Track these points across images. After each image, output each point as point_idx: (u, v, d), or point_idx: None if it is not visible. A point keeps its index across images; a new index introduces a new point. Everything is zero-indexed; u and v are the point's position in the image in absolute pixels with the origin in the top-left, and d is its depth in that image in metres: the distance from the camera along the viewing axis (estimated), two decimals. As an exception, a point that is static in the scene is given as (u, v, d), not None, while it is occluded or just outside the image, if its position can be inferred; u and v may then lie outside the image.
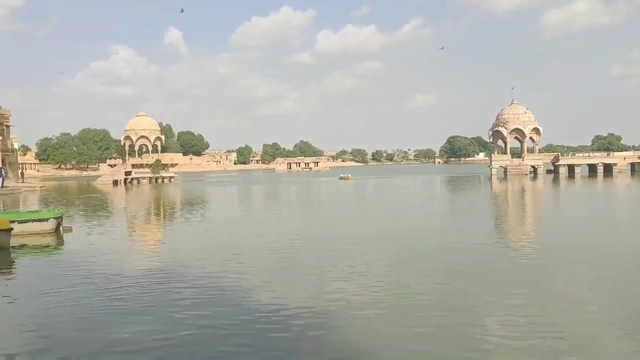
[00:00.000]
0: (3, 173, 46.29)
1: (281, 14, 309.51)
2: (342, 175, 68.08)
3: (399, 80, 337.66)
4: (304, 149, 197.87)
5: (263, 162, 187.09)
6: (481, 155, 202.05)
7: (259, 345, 6.43)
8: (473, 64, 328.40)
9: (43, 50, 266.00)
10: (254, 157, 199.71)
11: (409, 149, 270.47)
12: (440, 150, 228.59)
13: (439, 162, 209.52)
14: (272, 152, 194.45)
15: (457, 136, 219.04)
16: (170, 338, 6.77)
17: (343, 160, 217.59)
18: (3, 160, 48.12)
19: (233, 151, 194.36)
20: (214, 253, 13.19)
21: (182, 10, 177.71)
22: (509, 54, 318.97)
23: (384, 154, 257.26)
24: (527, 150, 63.18)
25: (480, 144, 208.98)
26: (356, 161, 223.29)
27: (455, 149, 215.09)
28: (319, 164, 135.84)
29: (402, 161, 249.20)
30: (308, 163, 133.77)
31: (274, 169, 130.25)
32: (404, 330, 6.96)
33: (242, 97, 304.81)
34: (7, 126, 53.27)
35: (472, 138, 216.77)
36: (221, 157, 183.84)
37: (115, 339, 6.78)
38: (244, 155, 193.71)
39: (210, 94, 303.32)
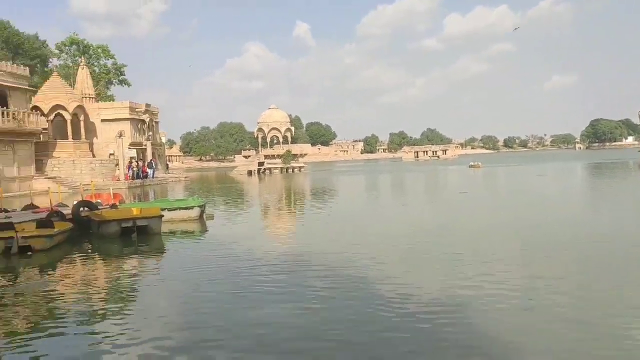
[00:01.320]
0: (153, 165, 51.01)
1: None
2: (472, 163, 65.68)
3: (533, 62, 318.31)
4: (431, 137, 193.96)
5: (389, 151, 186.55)
6: (630, 139, 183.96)
7: (391, 337, 6.43)
8: (619, 40, 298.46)
9: (185, 51, 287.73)
10: (380, 146, 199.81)
11: (545, 135, 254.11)
12: (581, 135, 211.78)
13: (580, 148, 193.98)
14: (399, 141, 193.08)
15: (602, 119, 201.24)
16: (302, 322, 7.04)
17: (472, 148, 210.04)
18: (153, 153, 52.93)
19: (360, 141, 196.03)
20: (343, 241, 13.41)
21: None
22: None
23: (516, 140, 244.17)
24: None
25: (629, 127, 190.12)
26: (486, 148, 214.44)
27: (598, 133, 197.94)
28: (447, 152, 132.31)
29: (537, 147, 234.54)
30: (436, 151, 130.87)
31: (401, 157, 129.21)
32: (547, 327, 6.57)
33: (368, 86, 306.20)
34: (156, 122, 58.49)
35: (619, 121, 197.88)
36: (348, 147, 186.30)
37: (252, 318, 7.18)
38: (370, 145, 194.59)
39: (336, 85, 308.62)
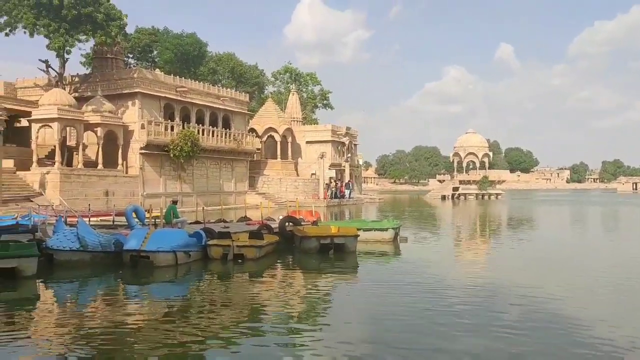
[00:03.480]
0: (350, 185, 53.25)
1: (631, 14, 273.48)
2: None
3: None
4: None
5: (601, 181, 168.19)
6: None
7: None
8: None
9: (383, 75, 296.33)
10: (590, 175, 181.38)
11: None
12: None
13: None
14: (613, 170, 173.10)
15: None
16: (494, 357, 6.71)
17: None
18: (350, 174, 55.28)
19: (565, 168, 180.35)
20: (541, 274, 12.53)
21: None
22: None
23: None
24: None
25: None
26: None
27: None
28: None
29: None
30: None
31: (615, 188, 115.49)
32: None
33: (578, 109, 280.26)
34: (355, 145, 61.10)
35: None
36: (551, 175, 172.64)
37: (439, 346, 7.07)
38: (578, 173, 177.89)
39: (541, 108, 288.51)
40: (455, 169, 74.00)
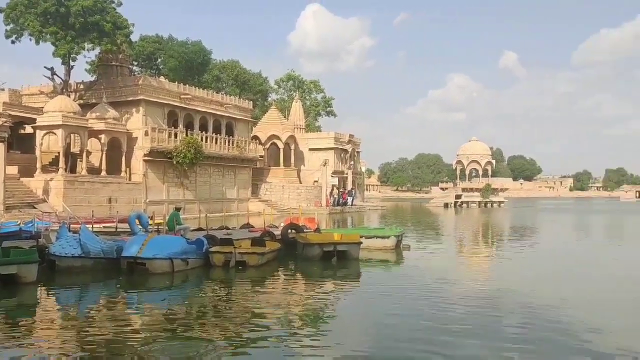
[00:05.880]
0: (353, 193, 53.29)
1: (637, 22, 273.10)
2: None
3: None
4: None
5: (604, 189, 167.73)
6: None
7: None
8: None
9: (388, 82, 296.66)
10: (593, 183, 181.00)
11: None
12: None
13: None
14: (617, 179, 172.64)
15: None
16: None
17: None
18: (353, 182, 55.33)
19: (569, 177, 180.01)
20: (544, 283, 12.52)
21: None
22: None
23: None
24: None
25: None
26: None
27: None
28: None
29: None
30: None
31: (619, 197, 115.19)
32: None
33: (583, 117, 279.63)
34: (358, 152, 61.20)
35: None
36: (554, 183, 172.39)
37: (440, 355, 7.08)
38: (581, 181, 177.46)
39: (545, 116, 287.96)
40: (458, 177, 73.99)
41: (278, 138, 50.18)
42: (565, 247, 22.60)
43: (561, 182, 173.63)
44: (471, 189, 66.85)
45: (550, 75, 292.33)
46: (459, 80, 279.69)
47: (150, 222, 18.45)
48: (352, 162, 57.66)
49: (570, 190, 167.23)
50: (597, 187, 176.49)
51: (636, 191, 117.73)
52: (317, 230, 19.31)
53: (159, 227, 17.83)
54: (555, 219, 44.00)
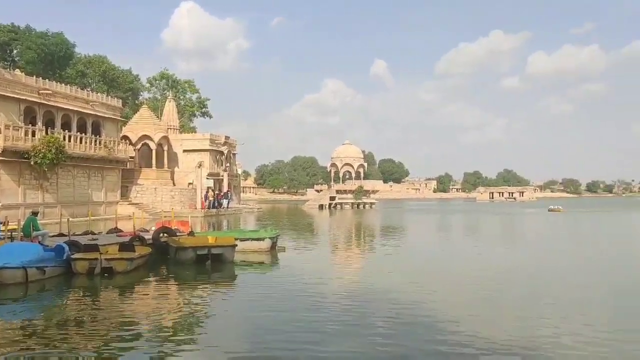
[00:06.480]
0: (229, 195, 52.63)
1: (490, 38, 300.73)
2: (552, 207, 62.85)
3: (625, 103, 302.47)
4: (508, 178, 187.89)
5: (463, 191, 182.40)
6: None
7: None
8: None
9: (265, 85, 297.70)
10: (453, 185, 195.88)
11: (633, 180, 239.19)
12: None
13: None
14: (473, 181, 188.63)
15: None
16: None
17: (552, 191, 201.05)
18: (229, 184, 54.66)
19: (433, 179, 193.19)
20: (411, 280, 13.25)
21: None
22: None
23: (600, 185, 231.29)
24: None
25: None
26: (567, 192, 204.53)
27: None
28: (524, 194, 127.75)
29: (623, 193, 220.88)
30: (512, 193, 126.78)
31: (475, 198, 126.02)
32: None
33: (445, 124, 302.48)
34: (234, 154, 60.58)
35: None
36: (420, 185, 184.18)
37: (314, 353, 7.25)
38: (443, 184, 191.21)
39: (413, 122, 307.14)
40: (332, 179, 76.17)
41: (150, 138, 48.11)
42: (427, 246, 24.19)
43: (426, 184, 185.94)
44: (345, 191, 69.15)
45: (416, 83, 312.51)
46: (333, 85, 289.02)
47: (3, 228, 16.77)
48: (228, 164, 56.96)
49: (434, 191, 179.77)
50: (457, 189, 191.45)
51: (490, 192, 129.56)
52: (191, 233, 18.81)
53: (13, 233, 16.24)
54: (419, 219, 46.95)
